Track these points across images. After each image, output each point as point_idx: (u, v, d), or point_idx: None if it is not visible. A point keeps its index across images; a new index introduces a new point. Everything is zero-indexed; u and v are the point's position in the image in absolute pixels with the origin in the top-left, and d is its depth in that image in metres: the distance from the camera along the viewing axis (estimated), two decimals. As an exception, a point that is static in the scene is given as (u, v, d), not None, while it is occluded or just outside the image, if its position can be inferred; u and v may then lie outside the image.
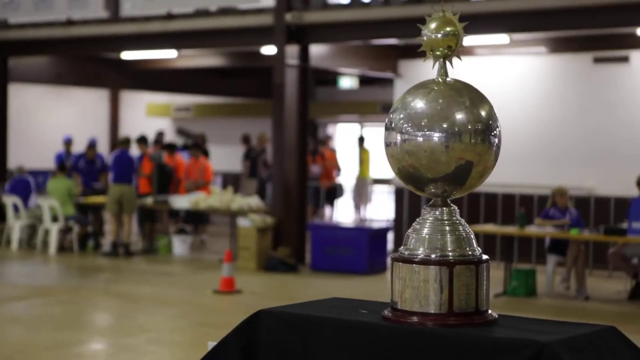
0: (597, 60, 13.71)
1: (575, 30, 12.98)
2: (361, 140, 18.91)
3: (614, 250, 10.98)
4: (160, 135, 18.09)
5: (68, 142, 17.28)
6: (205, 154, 16.58)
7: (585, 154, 13.72)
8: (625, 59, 13.48)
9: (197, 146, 15.94)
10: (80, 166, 15.59)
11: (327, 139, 20.21)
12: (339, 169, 18.89)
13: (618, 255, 10.91)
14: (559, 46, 14.05)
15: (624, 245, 10.77)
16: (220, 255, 12.61)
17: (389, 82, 17.33)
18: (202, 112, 23.08)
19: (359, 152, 18.75)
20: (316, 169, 18.03)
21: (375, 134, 22.07)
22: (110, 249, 14.13)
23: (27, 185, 15.13)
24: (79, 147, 18.22)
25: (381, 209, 20.05)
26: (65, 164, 15.34)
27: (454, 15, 3.40)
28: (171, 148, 15.80)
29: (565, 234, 10.64)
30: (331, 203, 18.90)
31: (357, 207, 19.12)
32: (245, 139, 18.23)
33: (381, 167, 19.96)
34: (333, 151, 19.14)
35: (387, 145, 3.40)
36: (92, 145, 16.01)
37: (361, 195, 18.85)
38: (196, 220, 15.71)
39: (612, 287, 11.69)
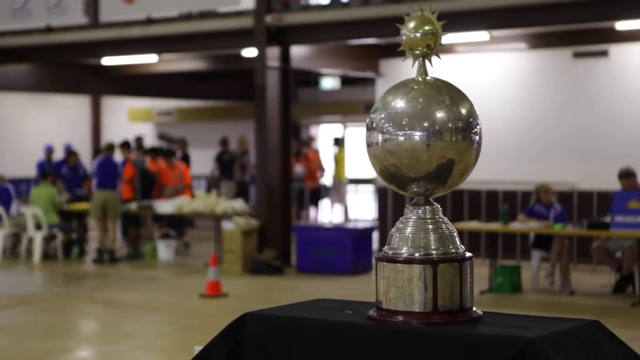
0: (577, 55, 13.77)
1: (554, 26, 13.03)
2: (337, 141, 18.89)
3: (598, 244, 11.03)
4: (139, 140, 18.01)
5: (49, 151, 17.15)
6: (186, 158, 16.48)
7: (568, 149, 13.76)
8: (604, 53, 13.53)
9: (171, 153, 15.81)
10: (63, 173, 15.51)
11: (311, 140, 20.19)
12: (322, 170, 18.87)
13: (602, 249, 10.95)
14: (539, 42, 14.09)
15: (607, 239, 10.81)
16: (205, 259, 12.57)
17: (370, 82, 17.34)
18: (184, 116, 23.02)
19: (335, 153, 18.72)
20: (300, 170, 18.01)
21: (358, 134, 22.06)
22: (95, 255, 14.08)
23: (7, 193, 15.04)
24: (60, 154, 18.14)
25: (365, 209, 20.05)
26: (47, 171, 15.25)
27: (433, 14, 3.40)
28: (155, 153, 15.73)
29: (549, 229, 10.67)
30: (315, 204, 18.87)
31: (335, 208, 19.10)
32: (223, 142, 18.17)
33: (363, 166, 19.95)
34: (317, 152, 19.13)
35: (369, 145, 3.41)
36: (71, 151, 15.90)
37: (338, 196, 18.83)
38: (178, 224, 15.58)
39: (597, 281, 11.73)
